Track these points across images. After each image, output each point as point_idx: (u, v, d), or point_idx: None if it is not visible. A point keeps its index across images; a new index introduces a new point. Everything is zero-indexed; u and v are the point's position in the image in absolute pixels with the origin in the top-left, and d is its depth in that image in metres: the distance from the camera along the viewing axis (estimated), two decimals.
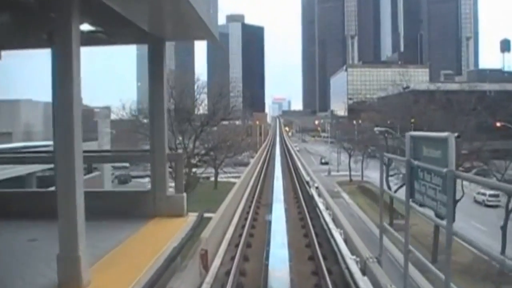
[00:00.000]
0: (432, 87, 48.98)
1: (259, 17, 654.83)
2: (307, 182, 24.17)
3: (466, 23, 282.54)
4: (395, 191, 44.47)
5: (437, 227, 32.33)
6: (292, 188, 27.48)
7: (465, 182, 34.02)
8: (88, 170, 42.55)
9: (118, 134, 42.68)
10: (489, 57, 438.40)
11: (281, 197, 19.28)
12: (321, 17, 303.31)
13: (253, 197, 21.38)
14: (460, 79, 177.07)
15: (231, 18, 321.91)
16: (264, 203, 20.31)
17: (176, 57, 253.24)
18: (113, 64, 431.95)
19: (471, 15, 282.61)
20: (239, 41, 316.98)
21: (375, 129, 40.73)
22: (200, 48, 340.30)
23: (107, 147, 39.65)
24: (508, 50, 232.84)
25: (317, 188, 20.50)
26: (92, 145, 39.57)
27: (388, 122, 53.71)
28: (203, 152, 41.68)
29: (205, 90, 43.56)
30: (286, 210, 16.49)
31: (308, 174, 29.87)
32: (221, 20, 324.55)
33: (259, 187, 25.74)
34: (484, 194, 49.15)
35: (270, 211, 16.39)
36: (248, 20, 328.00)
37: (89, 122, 41.83)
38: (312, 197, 19.40)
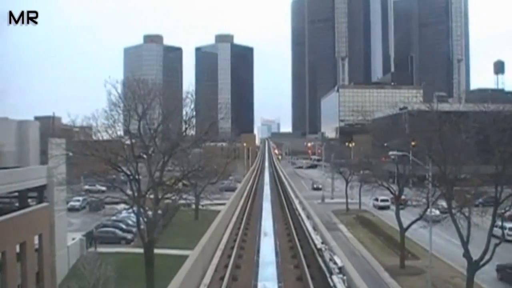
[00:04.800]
0: (459, 107, 42.83)
1: (248, 37, 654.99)
2: (319, 250, 13.57)
3: (457, 45, 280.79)
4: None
5: (470, 279, 25.80)
6: (290, 254, 16.90)
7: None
8: (39, 200, 35.73)
9: (79, 157, 35.16)
10: (479, 79, 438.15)
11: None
12: (311, 38, 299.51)
13: (223, 274, 12.86)
14: (455, 100, 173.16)
15: (220, 38, 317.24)
16: None
17: (163, 77, 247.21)
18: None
19: (462, 37, 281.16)
20: (228, 61, 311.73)
21: (390, 153, 33.95)
22: (189, 68, 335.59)
23: (61, 171, 32.73)
24: (502, 71, 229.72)
25: (340, 271, 10.32)
26: (40, 170, 32.94)
27: (385, 144, 48.15)
28: (177, 178, 34.73)
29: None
30: None
31: (316, 228, 18.96)
32: (210, 39, 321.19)
33: (234, 255, 15.50)
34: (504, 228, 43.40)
35: None
36: (238, 40, 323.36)
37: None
38: None
